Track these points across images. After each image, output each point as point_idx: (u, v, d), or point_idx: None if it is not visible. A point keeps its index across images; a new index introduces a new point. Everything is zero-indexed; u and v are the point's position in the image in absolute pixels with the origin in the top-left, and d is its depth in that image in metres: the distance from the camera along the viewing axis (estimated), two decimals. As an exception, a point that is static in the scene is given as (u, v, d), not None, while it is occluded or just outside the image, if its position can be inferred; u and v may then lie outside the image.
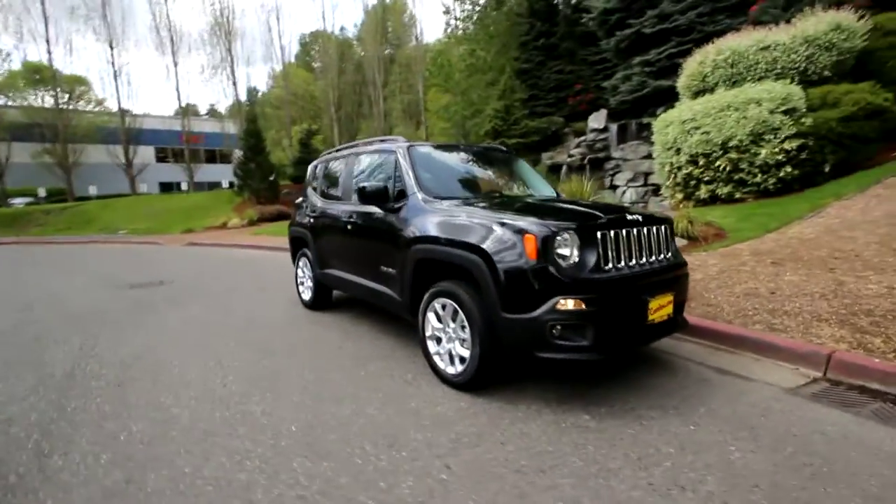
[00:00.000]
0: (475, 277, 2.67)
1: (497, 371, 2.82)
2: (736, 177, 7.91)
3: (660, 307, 2.72)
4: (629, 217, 2.77)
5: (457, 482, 2.02)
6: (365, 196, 3.50)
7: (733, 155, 7.77)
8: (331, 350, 3.75)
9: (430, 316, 3.07)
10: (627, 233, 2.70)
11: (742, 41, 8.81)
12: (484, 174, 4.00)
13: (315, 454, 2.26)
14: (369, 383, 3.06)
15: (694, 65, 9.58)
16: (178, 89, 51.35)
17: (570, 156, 16.25)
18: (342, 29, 33.71)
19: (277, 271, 7.90)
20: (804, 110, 7.29)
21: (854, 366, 2.94)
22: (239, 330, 4.40)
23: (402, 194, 3.44)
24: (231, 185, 26.43)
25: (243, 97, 28.59)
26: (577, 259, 2.52)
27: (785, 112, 7.31)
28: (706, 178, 8.26)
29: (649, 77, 15.13)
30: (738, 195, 7.97)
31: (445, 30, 22.16)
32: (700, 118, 8.18)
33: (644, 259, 2.78)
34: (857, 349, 3.07)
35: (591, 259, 2.55)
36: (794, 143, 7.23)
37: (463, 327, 2.82)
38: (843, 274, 4.16)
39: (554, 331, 2.46)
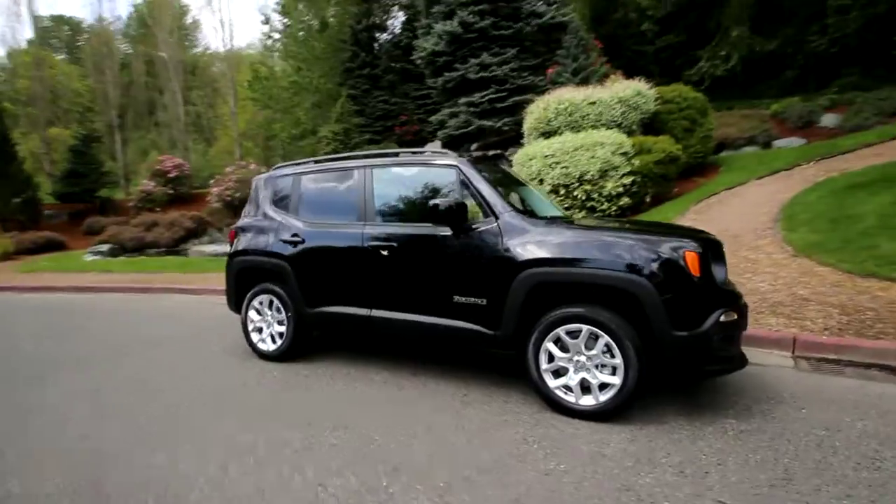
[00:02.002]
0: (634, 297, 2.58)
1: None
2: (588, 204, 9.54)
3: (743, 312, 3.13)
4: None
5: (753, 512, 1.92)
6: (438, 216, 2.99)
7: (587, 186, 9.36)
8: (393, 407, 3.00)
9: (549, 346, 2.81)
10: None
11: (576, 95, 10.76)
12: (523, 193, 3.87)
13: (586, 532, 1.81)
14: (499, 436, 2.59)
15: (538, 110, 11.23)
16: None
17: (413, 183, 16.85)
18: (99, 20, 27.11)
19: (144, 320, 5.86)
20: (633, 154, 9.34)
21: (812, 344, 3.90)
22: (216, 405, 3.10)
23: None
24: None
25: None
26: (718, 273, 2.73)
27: (621, 154, 9.24)
28: (566, 206, 9.70)
29: (474, 116, 16.91)
30: (589, 220, 9.63)
31: (265, 41, 20.38)
32: (559, 155, 9.61)
33: None
34: (804, 332, 4.10)
35: (723, 273, 2.79)
36: (629, 179, 9.18)
37: (606, 353, 2.68)
38: (734, 277, 5.48)
39: (716, 343, 2.58)
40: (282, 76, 18.06)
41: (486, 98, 16.49)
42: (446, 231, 3.11)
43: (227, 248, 13.19)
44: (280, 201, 4.00)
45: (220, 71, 23.98)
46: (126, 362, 4.14)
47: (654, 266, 2.57)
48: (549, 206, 4.24)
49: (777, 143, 13.12)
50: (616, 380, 2.65)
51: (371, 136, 19.27)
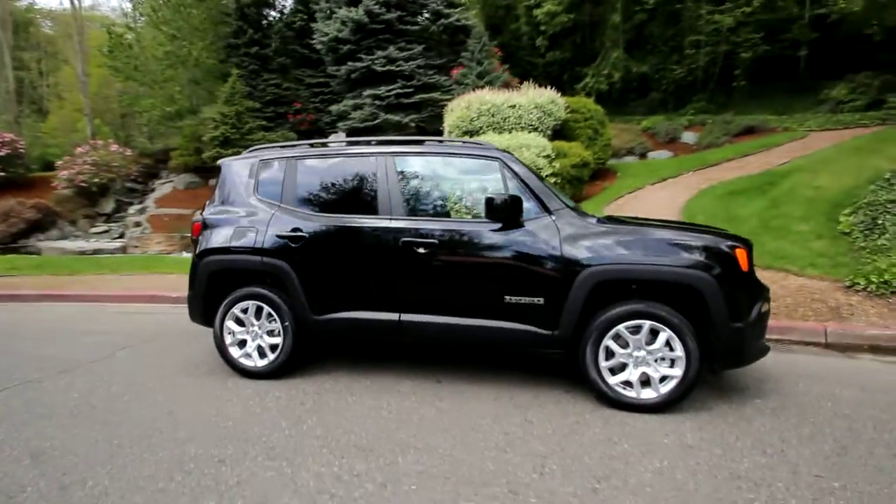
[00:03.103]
0: (696, 292, 2.70)
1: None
2: (513, 204, 9.92)
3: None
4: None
5: None
6: (493, 210, 2.81)
7: (513, 186, 9.74)
8: (447, 420, 2.70)
9: (609, 343, 2.82)
10: None
11: (497, 97, 11.10)
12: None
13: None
14: (582, 439, 2.51)
15: (460, 109, 11.33)
16: None
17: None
18: None
19: (31, 338, 4.47)
20: (553, 157, 9.96)
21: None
22: (234, 444, 2.45)
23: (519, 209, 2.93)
24: None
25: None
26: (751, 268, 2.99)
27: (545, 157, 9.78)
28: (492, 204, 9.97)
29: (380, 110, 16.47)
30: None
31: (128, 2, 17.30)
32: (487, 154, 9.82)
33: None
34: (748, 317, 4.75)
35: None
36: (551, 181, 9.77)
37: (667, 346, 2.76)
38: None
39: (758, 332, 2.83)
40: (151, 45, 15.43)
41: (394, 92, 16.16)
42: (496, 226, 2.92)
43: (97, 245, 10.94)
44: (268, 190, 3.37)
45: (62, 32, 19.44)
46: (45, 396, 3.10)
47: (714, 262, 2.73)
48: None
49: (651, 154, 15.12)
50: (677, 371, 2.75)
51: (263, 122, 17.59)
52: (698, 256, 2.74)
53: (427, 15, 16.81)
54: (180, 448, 2.41)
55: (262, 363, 3.31)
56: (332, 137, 16.44)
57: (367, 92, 16.41)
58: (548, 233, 2.88)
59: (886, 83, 12.78)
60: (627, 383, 2.82)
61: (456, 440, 2.49)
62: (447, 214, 3.16)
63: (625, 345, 2.83)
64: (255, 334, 3.34)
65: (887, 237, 6.05)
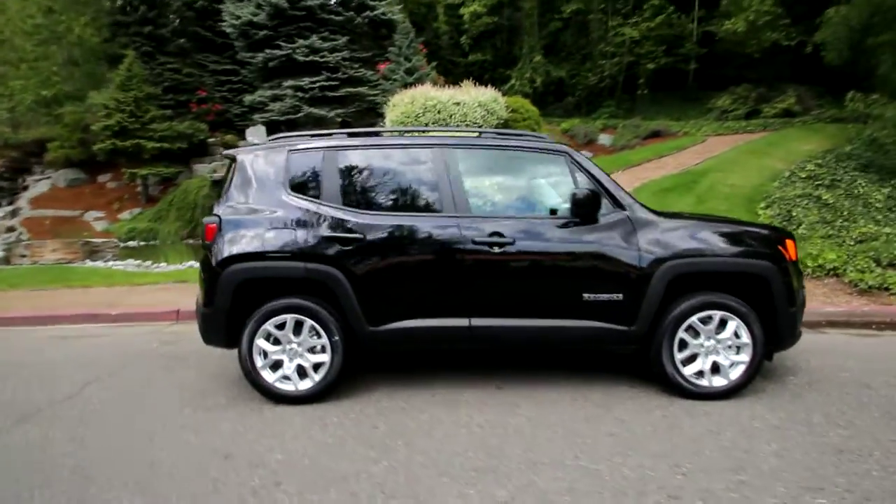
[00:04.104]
0: (763, 281, 2.84)
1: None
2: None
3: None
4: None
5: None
6: (579, 206, 2.72)
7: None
8: (543, 429, 2.54)
9: (684, 335, 2.88)
10: None
11: (442, 94, 11.01)
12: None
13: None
14: (685, 432, 2.53)
15: (403, 104, 11.05)
16: None
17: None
18: None
19: None
20: (501, 155, 10.13)
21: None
22: (334, 487, 2.04)
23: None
24: None
25: None
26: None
27: (494, 155, 9.92)
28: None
29: (304, 102, 15.48)
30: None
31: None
32: (438, 151, 9.69)
33: None
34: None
35: (785, 257, 3.33)
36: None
37: (735, 335, 2.88)
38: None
39: (801, 316, 3.09)
40: (18, 17, 12.79)
41: (318, 84, 15.27)
42: (568, 222, 2.83)
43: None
44: (304, 185, 2.89)
45: None
46: (19, 457, 2.32)
47: (776, 252, 2.91)
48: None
49: (573, 154, 16.09)
50: (744, 357, 2.89)
51: (164, 111, 15.52)
52: (763, 248, 2.91)
53: (352, 6, 16.13)
54: (268, 500, 1.96)
55: (304, 386, 2.85)
56: (250, 132, 14.99)
57: (289, 83, 15.33)
58: (624, 228, 2.86)
59: (761, 95, 15.01)
60: (700, 373, 2.91)
61: (572, 449, 2.35)
62: (516, 211, 3.00)
63: (695, 335, 2.91)
64: (294, 353, 2.86)
65: (804, 227, 7.06)
